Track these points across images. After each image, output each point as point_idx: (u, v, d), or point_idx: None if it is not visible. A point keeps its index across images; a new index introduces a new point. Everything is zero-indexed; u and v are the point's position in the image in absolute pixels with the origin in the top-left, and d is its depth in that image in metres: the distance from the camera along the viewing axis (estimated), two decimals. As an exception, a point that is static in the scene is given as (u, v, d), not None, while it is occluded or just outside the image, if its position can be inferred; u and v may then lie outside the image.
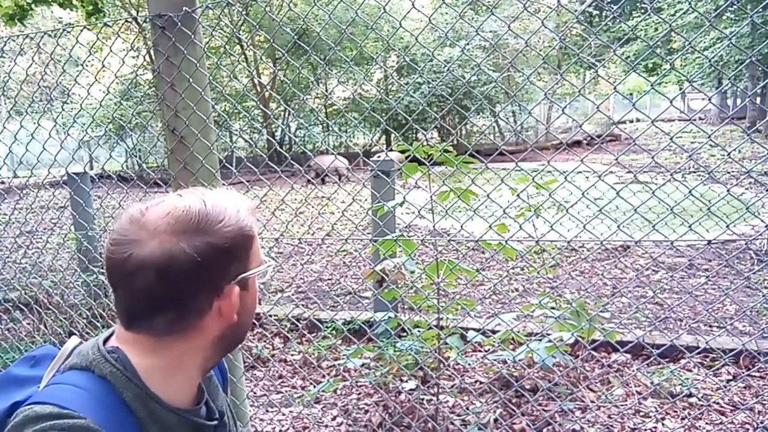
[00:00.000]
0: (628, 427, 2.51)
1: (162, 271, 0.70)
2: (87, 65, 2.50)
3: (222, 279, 0.76)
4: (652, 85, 1.63)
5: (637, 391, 2.79)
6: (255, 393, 3.11)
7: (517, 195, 2.44)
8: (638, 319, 3.78)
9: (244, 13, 9.38)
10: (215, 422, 0.86)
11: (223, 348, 0.83)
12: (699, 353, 3.03)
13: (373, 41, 16.15)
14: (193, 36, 1.83)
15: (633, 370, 3.02)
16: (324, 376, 3.14)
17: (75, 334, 1.11)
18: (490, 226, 1.96)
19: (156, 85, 2.02)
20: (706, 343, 2.59)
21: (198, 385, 0.85)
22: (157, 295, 0.72)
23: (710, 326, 3.60)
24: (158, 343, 0.76)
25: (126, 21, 2.79)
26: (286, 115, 17.15)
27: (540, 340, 2.62)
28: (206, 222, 0.73)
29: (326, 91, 15.92)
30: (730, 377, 2.90)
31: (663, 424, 2.50)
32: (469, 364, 3.12)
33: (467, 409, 2.70)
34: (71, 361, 0.77)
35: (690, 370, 2.96)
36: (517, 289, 4.62)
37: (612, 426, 2.51)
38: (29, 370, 0.80)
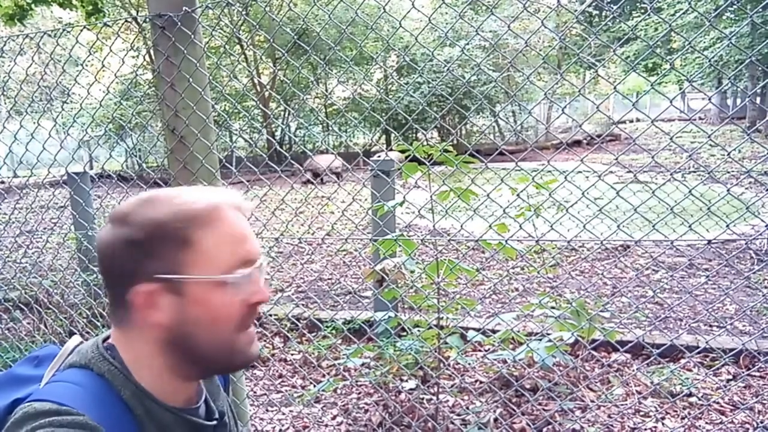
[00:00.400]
0: (628, 426, 2.51)
1: (100, 257, 0.76)
2: (87, 65, 2.50)
3: (133, 274, 0.73)
4: (652, 85, 1.63)
5: (637, 391, 2.79)
6: (255, 392, 3.11)
7: (517, 195, 2.44)
8: (638, 319, 3.78)
9: (244, 13, 9.39)
10: (214, 422, 0.86)
11: (179, 356, 0.77)
12: (699, 353, 3.03)
13: (373, 41, 16.14)
14: (193, 36, 1.83)
15: (633, 370, 3.02)
16: (324, 376, 3.14)
17: (75, 334, 1.11)
18: (490, 226, 1.96)
19: (156, 85, 2.02)
20: (706, 342, 2.59)
21: (197, 385, 0.85)
22: (103, 280, 0.78)
23: (710, 326, 3.60)
24: (125, 337, 0.77)
25: (126, 21, 2.79)
26: (286, 115, 17.14)
27: (540, 339, 2.62)
28: (134, 214, 0.73)
29: (326, 90, 15.92)
30: (730, 377, 2.90)
31: (663, 424, 2.50)
32: (469, 364, 3.12)
33: (467, 408, 2.70)
34: (71, 360, 0.78)
35: (690, 370, 2.96)
36: (517, 289, 4.62)
37: (612, 425, 2.51)
38: (32, 370, 0.81)
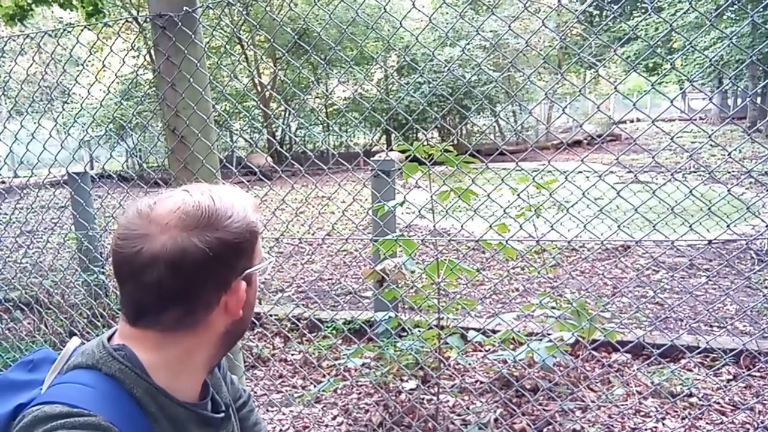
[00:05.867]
0: (629, 426, 2.51)
1: (174, 266, 0.70)
2: (87, 65, 2.50)
3: (230, 274, 0.77)
4: (652, 85, 1.63)
5: (637, 391, 2.79)
6: (255, 392, 3.11)
7: (518, 195, 2.44)
8: (639, 319, 3.78)
9: (244, 12, 9.39)
10: (222, 414, 0.87)
11: (226, 344, 0.84)
12: (699, 353, 3.03)
13: (374, 41, 16.14)
14: (193, 36, 1.83)
15: (633, 370, 3.02)
16: (324, 376, 3.14)
17: (75, 334, 1.12)
18: (490, 226, 1.96)
19: (156, 85, 2.02)
20: (707, 343, 2.59)
21: (203, 380, 0.85)
22: (169, 289, 0.72)
23: (711, 326, 3.60)
24: (165, 339, 0.76)
25: (126, 21, 2.79)
26: (287, 115, 17.14)
27: (540, 339, 2.62)
28: (216, 218, 0.74)
29: (326, 90, 15.91)
30: (731, 377, 2.90)
31: (663, 424, 2.50)
32: (470, 364, 3.12)
33: (467, 408, 2.70)
34: (75, 361, 0.76)
35: (690, 370, 2.96)
36: (517, 289, 4.61)
37: (612, 426, 2.51)
38: (28, 375, 0.80)
